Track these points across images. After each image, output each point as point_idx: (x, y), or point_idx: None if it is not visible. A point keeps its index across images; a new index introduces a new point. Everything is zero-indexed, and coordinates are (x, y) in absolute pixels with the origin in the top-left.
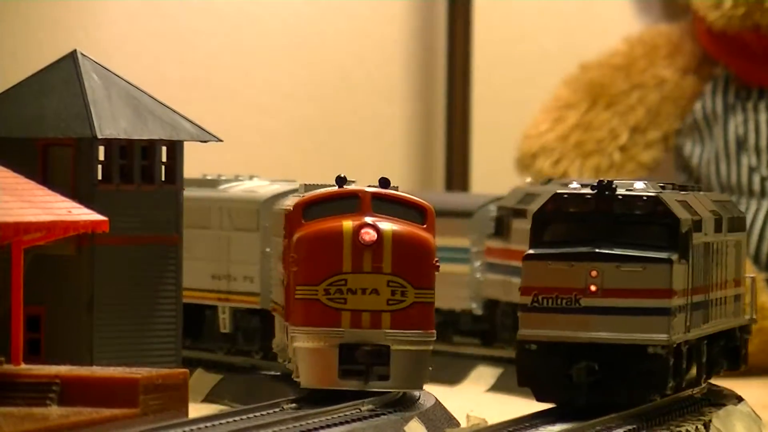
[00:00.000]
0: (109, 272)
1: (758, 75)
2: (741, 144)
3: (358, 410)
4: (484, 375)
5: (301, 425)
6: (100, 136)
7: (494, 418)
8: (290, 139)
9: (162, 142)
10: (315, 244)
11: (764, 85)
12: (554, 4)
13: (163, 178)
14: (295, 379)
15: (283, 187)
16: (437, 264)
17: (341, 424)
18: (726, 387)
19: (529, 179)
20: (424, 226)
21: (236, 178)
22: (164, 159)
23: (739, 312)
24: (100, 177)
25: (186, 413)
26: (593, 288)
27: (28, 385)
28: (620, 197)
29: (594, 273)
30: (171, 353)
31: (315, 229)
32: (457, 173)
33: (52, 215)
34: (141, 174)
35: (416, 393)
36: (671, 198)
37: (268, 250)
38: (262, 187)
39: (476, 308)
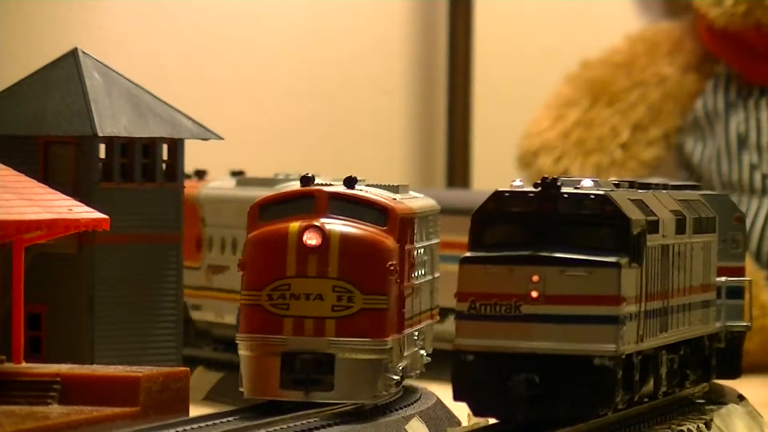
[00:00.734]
0: (110, 270)
1: (759, 73)
2: (742, 142)
3: (304, 422)
4: None
5: None
6: (100, 134)
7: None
8: (291, 137)
9: (163, 140)
10: (261, 247)
11: (765, 83)
12: (555, 1)
13: (164, 176)
14: (240, 389)
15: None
16: (392, 268)
17: None
18: (727, 385)
19: (518, 180)
20: (385, 228)
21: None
22: (165, 157)
23: (709, 319)
24: (101, 175)
25: (187, 412)
26: (535, 294)
27: (29, 384)
28: (566, 196)
29: (535, 278)
30: (172, 352)
31: (262, 231)
32: (459, 170)
33: (53, 213)
34: (142, 172)
35: (417, 393)
36: (622, 197)
37: None
38: None
39: None
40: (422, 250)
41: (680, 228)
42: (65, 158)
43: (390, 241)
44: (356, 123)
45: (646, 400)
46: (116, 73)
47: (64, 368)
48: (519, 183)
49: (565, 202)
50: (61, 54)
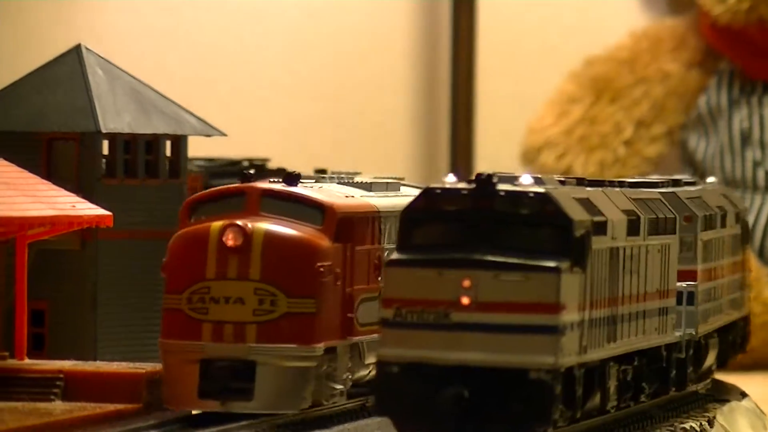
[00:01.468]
0: (113, 267)
1: (763, 69)
2: (745, 138)
3: None
4: None
5: None
6: (104, 131)
7: None
8: (296, 135)
9: (166, 136)
10: (182, 248)
11: None
12: None
13: (167, 173)
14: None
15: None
16: (322, 270)
17: None
18: (730, 382)
19: (451, 176)
20: (321, 227)
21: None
22: (168, 153)
23: (666, 328)
24: (104, 171)
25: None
26: (466, 301)
27: (32, 380)
28: (502, 194)
29: (467, 283)
30: None
31: (185, 231)
32: (462, 167)
33: (56, 210)
34: (145, 168)
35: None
36: (565, 195)
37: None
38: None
39: None
40: None
41: (633, 229)
42: (68, 155)
43: (324, 241)
44: (361, 121)
45: (595, 414)
46: (120, 69)
47: (67, 365)
48: (452, 179)
49: (501, 201)
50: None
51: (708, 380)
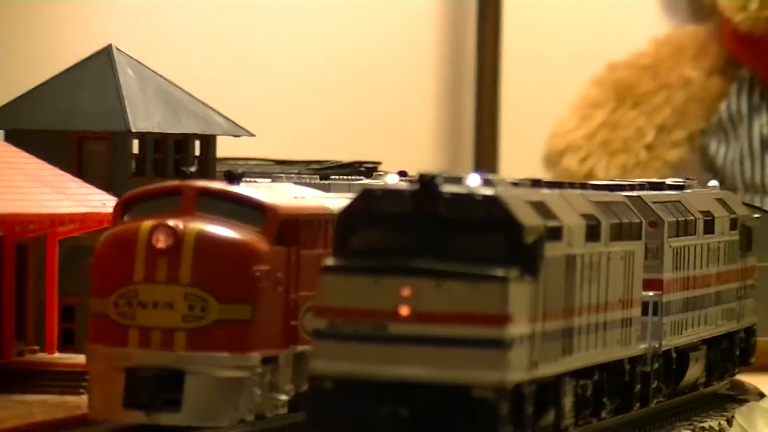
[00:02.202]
0: None
1: None
2: (765, 144)
3: None
4: None
5: None
6: (134, 130)
7: None
8: (324, 134)
9: (195, 136)
10: (110, 249)
11: None
12: (582, 4)
13: (196, 172)
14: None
15: None
16: (258, 274)
17: None
18: (749, 383)
19: (394, 176)
20: (260, 229)
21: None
22: (197, 153)
23: (630, 340)
24: (133, 170)
25: None
26: (405, 311)
27: (62, 374)
28: (447, 196)
29: (406, 292)
30: None
31: (114, 231)
32: (486, 170)
33: (86, 207)
34: (174, 167)
35: None
36: (517, 199)
37: None
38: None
39: None
40: None
41: (593, 235)
42: (99, 153)
43: (262, 244)
44: (385, 124)
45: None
46: (150, 70)
47: None
48: (395, 179)
49: (446, 204)
50: (91, 53)
51: (727, 381)
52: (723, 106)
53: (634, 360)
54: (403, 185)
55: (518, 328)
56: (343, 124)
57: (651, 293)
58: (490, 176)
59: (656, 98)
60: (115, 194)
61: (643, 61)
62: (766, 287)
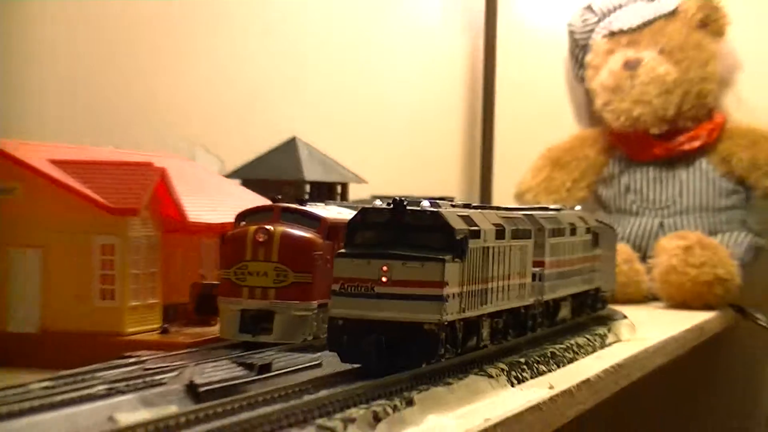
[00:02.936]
0: None
1: (637, 155)
2: (627, 189)
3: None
4: None
5: None
6: (307, 179)
7: None
8: (373, 171)
9: (338, 183)
10: (232, 242)
11: (640, 160)
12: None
13: None
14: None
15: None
16: (316, 256)
17: None
18: (618, 310)
19: (378, 201)
20: (317, 230)
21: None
22: (339, 192)
23: (524, 296)
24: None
25: None
26: (384, 279)
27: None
28: (410, 211)
29: (385, 268)
30: None
31: (234, 231)
32: (485, 193)
33: None
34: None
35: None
36: (451, 213)
37: None
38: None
39: None
40: None
41: (500, 235)
42: (290, 191)
43: (318, 239)
44: (420, 151)
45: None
46: (315, 149)
47: None
48: (379, 203)
49: (409, 215)
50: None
51: (605, 307)
52: (606, 170)
53: (527, 307)
54: (383, 205)
55: (451, 289)
56: (383, 158)
57: (537, 269)
58: (437, 200)
59: (571, 165)
60: None
61: (565, 146)
62: (604, 266)
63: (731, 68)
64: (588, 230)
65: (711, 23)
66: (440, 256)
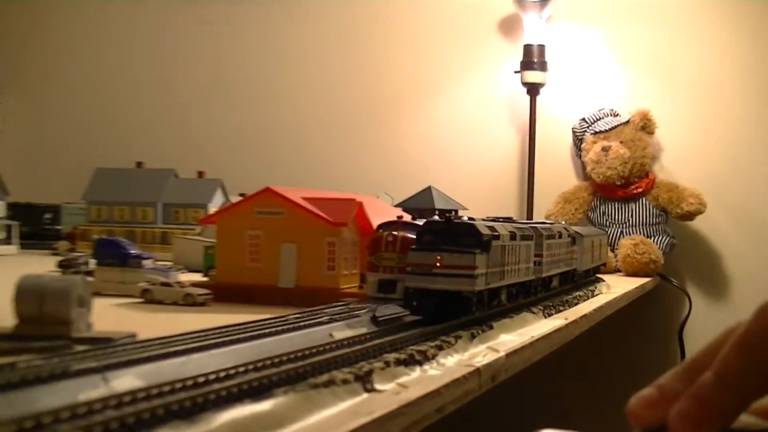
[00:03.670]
0: None
1: (609, 196)
2: (603, 214)
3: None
4: None
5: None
6: (435, 208)
7: None
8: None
9: (454, 209)
10: (373, 241)
11: (611, 198)
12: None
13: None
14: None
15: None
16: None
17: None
18: (602, 277)
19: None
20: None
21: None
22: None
23: (529, 274)
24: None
25: None
26: (438, 264)
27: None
28: (455, 222)
29: (438, 257)
30: None
31: (374, 235)
32: (528, 217)
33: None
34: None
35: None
36: (481, 224)
37: None
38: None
39: None
40: None
41: (513, 237)
42: (430, 215)
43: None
44: (497, 191)
45: (496, 306)
46: (439, 190)
47: None
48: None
49: (454, 225)
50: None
51: (580, 281)
52: (593, 204)
53: (531, 281)
54: (440, 219)
55: (480, 270)
56: (473, 192)
57: (536, 258)
58: (500, 218)
59: (574, 201)
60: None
61: (571, 191)
62: (579, 256)
63: (657, 151)
64: (569, 235)
65: (647, 127)
66: (472, 251)
